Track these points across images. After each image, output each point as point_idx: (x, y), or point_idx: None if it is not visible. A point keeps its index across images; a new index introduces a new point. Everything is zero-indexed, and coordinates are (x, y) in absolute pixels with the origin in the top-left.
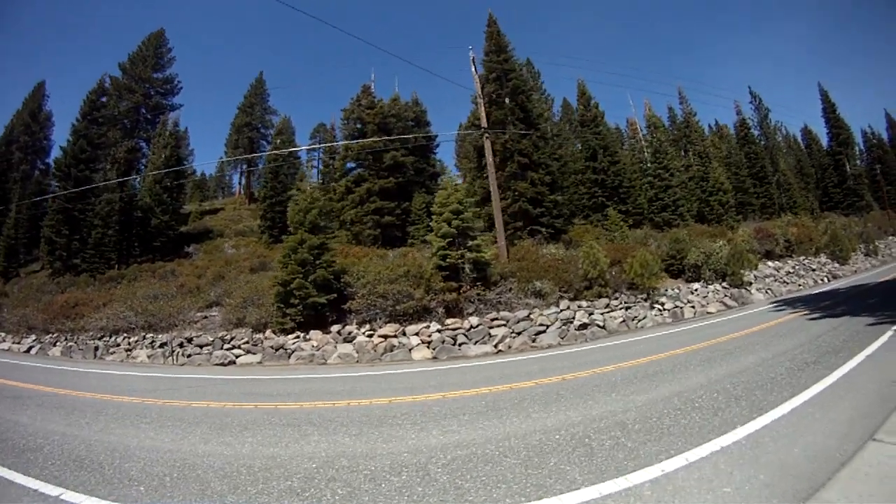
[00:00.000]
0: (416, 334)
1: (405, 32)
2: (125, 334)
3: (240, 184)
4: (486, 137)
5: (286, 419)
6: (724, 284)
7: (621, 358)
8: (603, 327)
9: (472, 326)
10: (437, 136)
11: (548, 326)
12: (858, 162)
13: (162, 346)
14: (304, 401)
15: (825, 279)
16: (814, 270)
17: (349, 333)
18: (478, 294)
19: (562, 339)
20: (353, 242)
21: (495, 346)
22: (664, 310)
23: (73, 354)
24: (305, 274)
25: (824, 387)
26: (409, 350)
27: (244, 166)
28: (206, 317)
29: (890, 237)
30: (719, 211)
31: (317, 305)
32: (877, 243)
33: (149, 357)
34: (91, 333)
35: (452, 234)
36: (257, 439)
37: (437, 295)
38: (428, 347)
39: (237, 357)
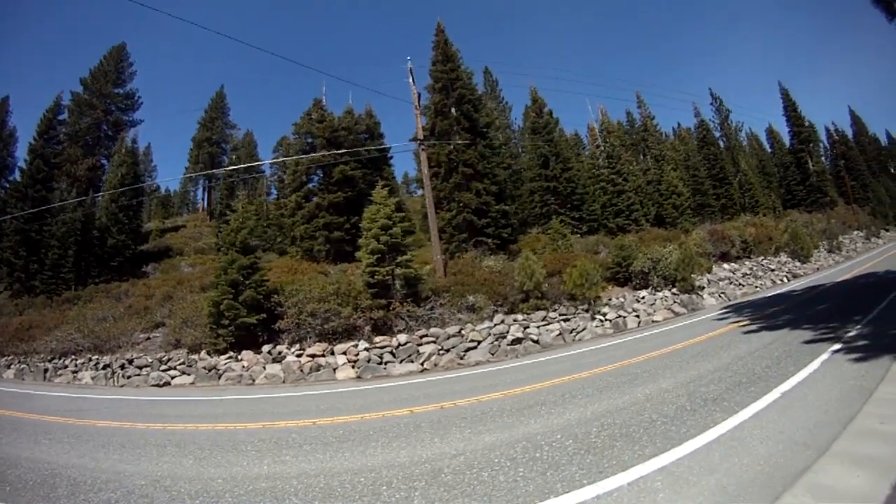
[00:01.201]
0: (344, 353)
1: (360, 39)
2: (73, 356)
3: (202, 200)
4: (423, 150)
5: (169, 439)
6: (674, 291)
7: (525, 381)
8: (537, 342)
9: (400, 344)
10: (389, 149)
11: (479, 342)
12: (824, 159)
13: (105, 367)
14: (199, 423)
15: (784, 279)
16: (773, 270)
17: (279, 353)
18: (408, 311)
19: (492, 354)
20: (304, 258)
21: (422, 364)
22: (606, 320)
23: (25, 377)
24: (236, 294)
25: (699, 445)
26: (334, 370)
27: (206, 182)
28: (148, 338)
29: (855, 232)
30: (674, 214)
31: (248, 325)
32: (840, 239)
33: (92, 379)
34: (42, 356)
35: (381, 249)
36: (130, 455)
37: (365, 313)
38: (353, 367)
39: (172, 378)
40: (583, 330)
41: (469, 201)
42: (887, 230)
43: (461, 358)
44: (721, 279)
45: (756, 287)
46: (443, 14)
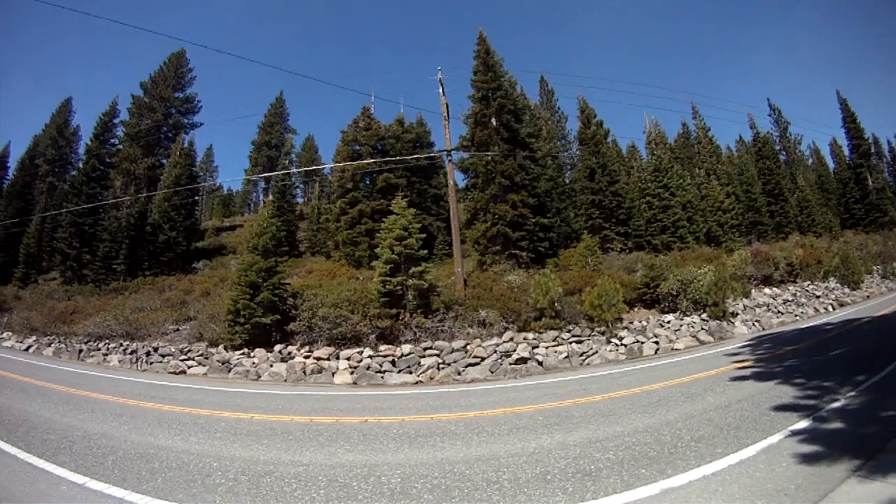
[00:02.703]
0: (348, 359)
1: (421, 48)
2: (106, 340)
3: (263, 201)
4: (449, 160)
5: (154, 417)
6: (704, 317)
7: (495, 404)
8: (541, 363)
9: (403, 354)
10: (429, 157)
11: (483, 359)
12: (887, 175)
13: (132, 353)
14: (191, 407)
15: (830, 307)
16: (818, 297)
17: (289, 353)
18: (416, 322)
19: (491, 372)
20: (347, 262)
21: (417, 376)
22: (621, 345)
23: (62, 355)
24: (253, 295)
25: None
26: (333, 374)
27: (265, 184)
28: (177, 329)
29: None
30: (719, 232)
31: (263, 325)
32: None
33: (119, 362)
34: (80, 338)
35: (395, 260)
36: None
37: (372, 321)
38: (350, 373)
39: (189, 368)
40: (593, 354)
41: (504, 213)
42: None
43: (459, 374)
44: (759, 305)
45: (796, 316)
46: (496, 22)
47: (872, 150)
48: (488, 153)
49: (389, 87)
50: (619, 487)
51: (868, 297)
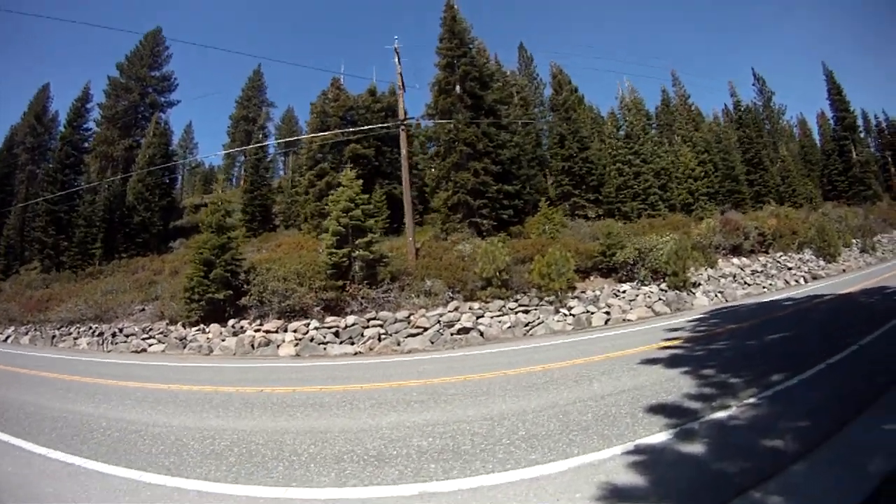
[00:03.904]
0: (295, 331)
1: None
2: (77, 325)
3: (240, 176)
4: (402, 130)
5: (84, 389)
6: (663, 287)
7: (400, 376)
8: (482, 334)
9: (347, 325)
10: (408, 125)
11: (426, 329)
12: (874, 149)
13: (99, 335)
14: (124, 380)
15: (802, 280)
16: (790, 269)
17: (241, 327)
18: (362, 293)
19: (432, 343)
20: (315, 235)
21: (358, 347)
22: (570, 315)
23: (37, 342)
24: (207, 272)
25: None
26: (278, 346)
27: (244, 158)
28: (143, 309)
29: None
30: (689, 200)
31: (216, 301)
32: (877, 238)
33: (87, 344)
34: (53, 324)
35: (342, 231)
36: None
37: (318, 293)
38: (294, 345)
39: (149, 346)
40: (538, 324)
41: (465, 181)
42: None
43: (398, 344)
44: (725, 275)
45: (764, 288)
46: None
47: (861, 124)
48: (449, 121)
49: (365, 57)
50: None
51: (844, 270)
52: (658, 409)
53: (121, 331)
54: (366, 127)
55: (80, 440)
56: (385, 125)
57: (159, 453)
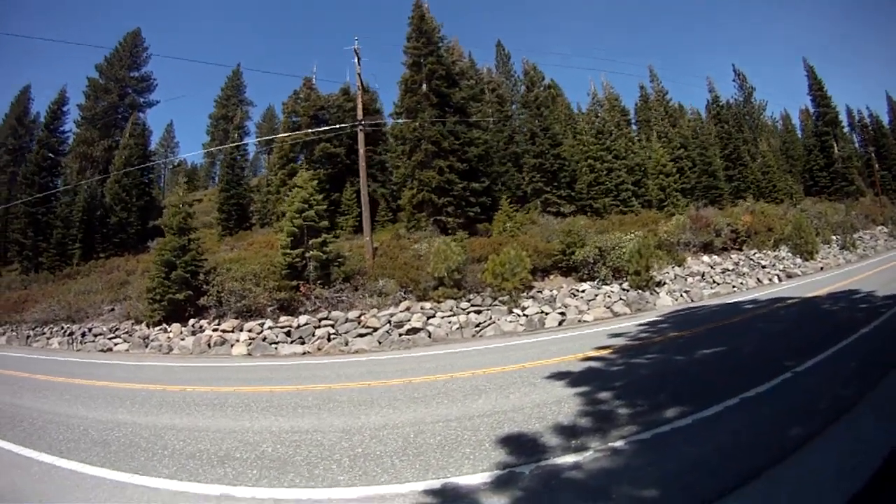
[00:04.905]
0: (250, 331)
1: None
2: (51, 325)
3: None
4: (360, 130)
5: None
6: (625, 286)
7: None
8: (430, 334)
9: (299, 325)
10: (380, 124)
11: (376, 329)
12: (858, 144)
13: (70, 335)
14: (73, 378)
15: (776, 278)
16: (763, 267)
17: (200, 327)
18: (316, 293)
19: (379, 343)
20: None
21: (307, 347)
22: (523, 315)
23: (13, 342)
24: (168, 273)
25: None
26: (231, 346)
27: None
28: (112, 309)
29: (878, 227)
30: (660, 196)
31: (177, 301)
32: (858, 234)
33: (59, 344)
34: (29, 324)
35: (295, 232)
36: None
37: (272, 293)
38: (247, 345)
39: (115, 345)
40: (488, 325)
41: (430, 179)
42: None
43: (346, 344)
44: (694, 274)
45: (734, 287)
46: None
47: (846, 121)
48: (414, 121)
49: (345, 56)
50: None
51: (822, 268)
52: (509, 441)
53: (90, 330)
54: (325, 127)
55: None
56: (343, 125)
57: (65, 440)
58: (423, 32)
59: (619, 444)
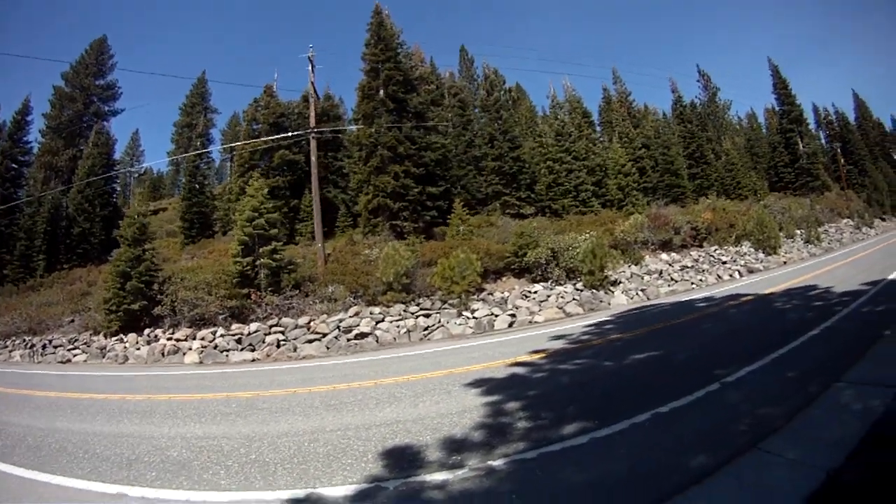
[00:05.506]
0: (202, 339)
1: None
2: (13, 338)
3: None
4: (313, 138)
5: None
6: (579, 286)
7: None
8: (377, 339)
9: (250, 332)
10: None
11: (325, 335)
12: (824, 141)
13: (30, 347)
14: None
15: (737, 274)
16: (724, 263)
17: (155, 336)
18: (267, 300)
19: (328, 349)
20: None
21: (256, 354)
22: (472, 318)
23: None
24: (123, 284)
25: None
26: (184, 354)
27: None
28: (72, 321)
29: (844, 220)
30: (618, 196)
31: (132, 311)
32: (823, 228)
33: (20, 357)
34: None
35: (246, 240)
36: None
37: (223, 301)
38: (199, 353)
39: (74, 356)
40: (437, 328)
41: (385, 184)
42: (884, 219)
43: (294, 350)
44: (651, 272)
45: (693, 284)
46: None
47: (812, 117)
48: (370, 127)
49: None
50: None
51: (785, 263)
52: (392, 454)
53: (50, 342)
54: (280, 135)
55: None
56: (298, 133)
57: (3, 445)
58: (381, 39)
59: (498, 462)
